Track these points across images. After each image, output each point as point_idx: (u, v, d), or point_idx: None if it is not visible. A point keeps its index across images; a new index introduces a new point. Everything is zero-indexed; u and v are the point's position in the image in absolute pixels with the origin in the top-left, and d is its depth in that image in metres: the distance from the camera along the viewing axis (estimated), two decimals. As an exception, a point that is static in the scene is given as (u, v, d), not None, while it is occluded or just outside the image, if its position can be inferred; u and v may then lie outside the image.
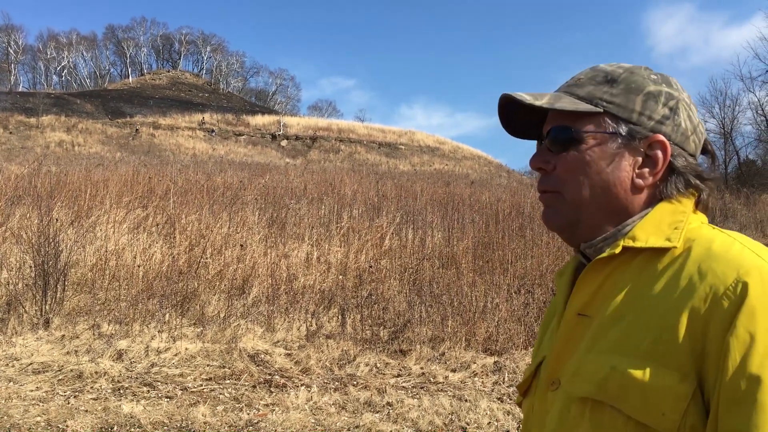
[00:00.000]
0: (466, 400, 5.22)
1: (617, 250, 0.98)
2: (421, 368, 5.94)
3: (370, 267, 8.51)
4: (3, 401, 4.87)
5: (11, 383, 5.22)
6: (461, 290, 7.43)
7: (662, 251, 0.97)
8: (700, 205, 1.05)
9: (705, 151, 1.08)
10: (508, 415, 4.99)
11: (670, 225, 0.98)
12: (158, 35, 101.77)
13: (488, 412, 5.00)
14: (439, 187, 18.43)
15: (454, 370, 5.92)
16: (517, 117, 1.12)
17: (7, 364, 5.61)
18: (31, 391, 5.11)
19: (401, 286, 8.01)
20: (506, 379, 5.72)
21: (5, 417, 4.59)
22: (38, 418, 4.61)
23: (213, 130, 47.11)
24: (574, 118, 1.03)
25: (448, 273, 8.40)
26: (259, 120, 53.73)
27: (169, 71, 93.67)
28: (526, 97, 1.02)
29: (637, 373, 0.88)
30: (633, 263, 0.99)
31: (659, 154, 1.00)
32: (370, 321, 6.83)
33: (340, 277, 8.29)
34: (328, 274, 8.50)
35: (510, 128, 1.14)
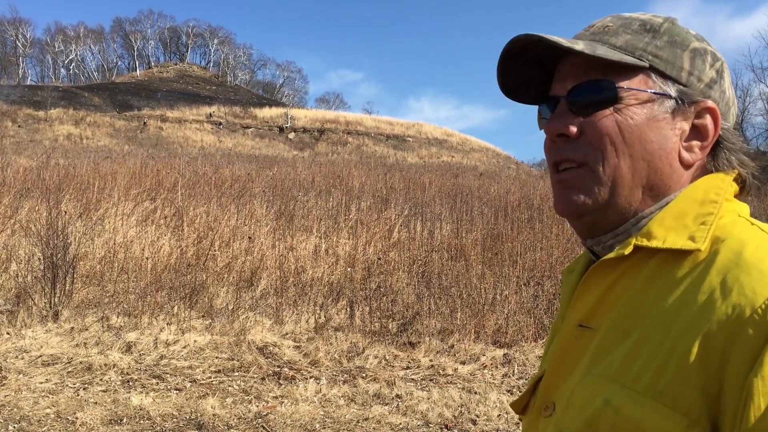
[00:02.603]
0: (475, 393, 5.20)
1: (627, 251, 0.79)
2: (431, 360, 5.92)
3: (379, 259, 8.49)
4: (13, 393, 4.88)
5: (21, 375, 5.23)
6: (470, 282, 7.40)
7: (684, 254, 0.76)
8: (743, 192, 0.85)
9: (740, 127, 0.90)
10: (518, 407, 4.97)
11: (696, 219, 0.77)
12: (165, 28, 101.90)
13: (498, 405, 4.97)
14: (448, 179, 18.39)
15: (463, 363, 5.89)
16: (516, 70, 0.89)
17: (17, 356, 5.62)
18: (41, 383, 5.12)
19: (410, 279, 7.99)
20: (516, 371, 5.69)
21: (15, 409, 4.60)
22: (48, 410, 4.61)
23: (221, 123, 47.19)
24: (609, 71, 0.81)
25: (456, 265, 8.37)
26: (267, 112, 53.79)
27: (176, 64, 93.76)
28: (562, 42, 0.80)
29: (634, 413, 0.70)
30: (647, 266, 0.78)
31: (709, 123, 0.82)
32: (378, 313, 6.81)
33: (349, 269, 8.28)
34: (337, 266, 8.49)
35: (504, 82, 0.91)
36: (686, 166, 0.82)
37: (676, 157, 0.82)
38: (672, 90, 0.81)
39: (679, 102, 0.81)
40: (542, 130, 0.89)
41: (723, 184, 0.81)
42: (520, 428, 0.99)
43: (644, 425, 0.69)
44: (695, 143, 0.82)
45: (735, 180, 0.84)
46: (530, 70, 0.89)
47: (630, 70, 0.81)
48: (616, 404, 0.71)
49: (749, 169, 0.85)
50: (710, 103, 0.82)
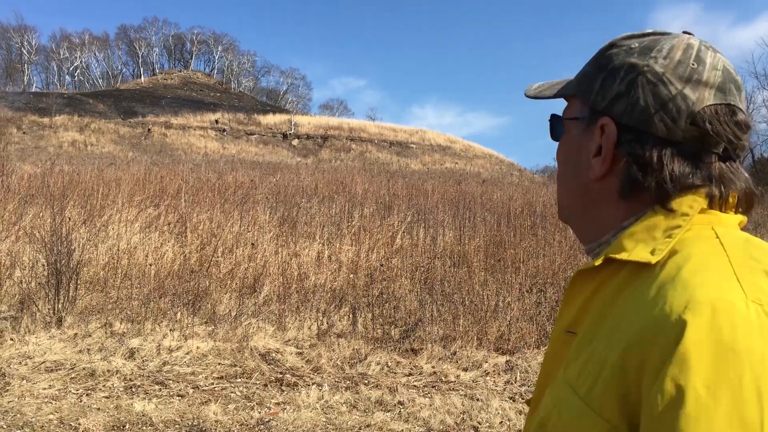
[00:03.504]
0: (477, 400, 5.19)
1: (597, 263, 0.82)
2: (433, 367, 5.92)
3: (381, 266, 8.50)
4: (16, 399, 4.89)
5: (24, 381, 5.25)
6: (473, 289, 7.40)
7: (646, 265, 0.77)
8: (727, 204, 0.83)
9: (704, 131, 0.81)
10: (520, 414, 4.96)
11: (664, 232, 0.79)
12: (170, 35, 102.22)
13: (500, 412, 4.97)
14: (451, 185, 18.40)
15: (465, 369, 5.89)
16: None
17: (21, 363, 5.64)
18: (44, 389, 5.13)
19: (412, 285, 7.99)
20: (518, 378, 5.69)
21: (18, 415, 4.61)
22: (51, 416, 4.63)
23: (224, 130, 47.30)
24: (568, 102, 0.96)
25: (459, 272, 8.37)
26: (270, 119, 53.86)
27: (180, 71, 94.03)
28: (529, 91, 1.00)
29: (571, 416, 0.74)
30: (618, 276, 0.81)
31: (601, 139, 0.85)
32: (381, 320, 6.81)
33: (351, 275, 8.28)
34: (339, 272, 8.49)
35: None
36: (597, 183, 0.87)
37: (587, 175, 0.88)
38: (585, 112, 0.90)
39: (587, 122, 0.89)
40: None
41: (699, 197, 0.81)
42: None
43: (577, 429, 0.73)
44: (595, 160, 0.87)
45: (729, 193, 0.83)
46: None
47: (572, 98, 0.95)
48: (560, 408, 0.76)
49: (699, 186, 0.82)
50: (603, 119, 0.85)
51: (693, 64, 0.82)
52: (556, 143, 0.98)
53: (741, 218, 0.84)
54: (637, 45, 0.86)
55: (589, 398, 0.72)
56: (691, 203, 0.81)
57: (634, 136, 0.83)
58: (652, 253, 0.77)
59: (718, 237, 0.77)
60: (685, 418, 0.63)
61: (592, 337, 0.78)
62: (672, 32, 0.87)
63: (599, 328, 0.77)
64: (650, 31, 0.88)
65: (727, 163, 0.83)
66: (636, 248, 0.79)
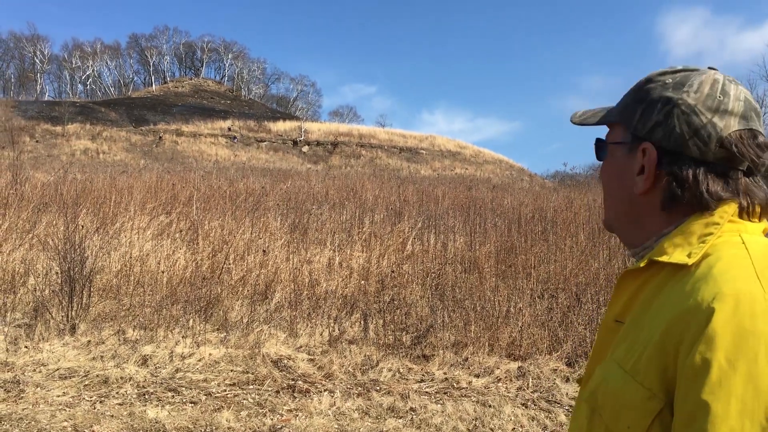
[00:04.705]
0: (490, 406, 5.18)
1: (642, 264, 1.00)
2: (444, 373, 5.91)
3: (392, 272, 8.50)
4: (30, 406, 4.93)
5: (38, 388, 5.28)
6: (484, 295, 7.38)
7: (682, 266, 0.95)
8: (753, 213, 1.00)
9: (731, 153, 0.98)
10: (532, 420, 4.95)
11: (699, 238, 0.96)
12: (181, 43, 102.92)
13: (512, 418, 4.96)
14: (461, 191, 18.37)
15: (477, 376, 5.88)
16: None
17: (35, 370, 5.68)
18: (58, 396, 5.17)
19: (423, 291, 7.99)
20: (530, 384, 5.67)
21: (33, 422, 4.64)
22: (65, 423, 4.65)
23: (235, 137, 47.49)
24: (610, 128, 1.13)
25: (470, 277, 8.36)
26: (281, 126, 54.07)
27: (191, 79, 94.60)
28: (574, 118, 1.18)
29: (617, 386, 0.91)
30: (659, 275, 0.98)
31: (644, 160, 1.03)
32: (392, 326, 6.81)
33: (363, 282, 8.29)
34: (351, 279, 8.50)
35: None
36: (642, 198, 1.04)
37: (632, 191, 1.05)
38: (628, 138, 1.06)
39: (631, 147, 1.05)
40: None
41: (729, 209, 0.98)
42: None
43: (622, 395, 0.90)
44: (640, 178, 1.04)
45: (755, 204, 1.00)
46: None
47: (615, 125, 1.11)
48: (609, 379, 0.94)
49: (728, 199, 0.98)
50: (646, 144, 1.03)
51: (719, 97, 0.99)
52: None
53: (765, 225, 1.01)
54: (670, 81, 1.03)
55: (634, 371, 0.90)
56: (721, 214, 0.97)
57: (672, 158, 1.00)
58: (689, 256, 0.94)
59: (744, 243, 0.94)
60: (709, 384, 0.80)
61: (636, 324, 0.96)
62: (700, 68, 1.05)
63: (643, 317, 0.95)
64: (681, 67, 1.06)
65: (751, 178, 1.00)
66: (675, 252, 0.96)
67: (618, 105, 1.11)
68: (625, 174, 1.06)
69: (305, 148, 47.24)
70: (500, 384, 5.71)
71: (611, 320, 1.06)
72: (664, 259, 0.96)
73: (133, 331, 6.53)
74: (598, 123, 1.14)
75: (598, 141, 1.14)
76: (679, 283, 0.92)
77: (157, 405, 5.06)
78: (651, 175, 1.01)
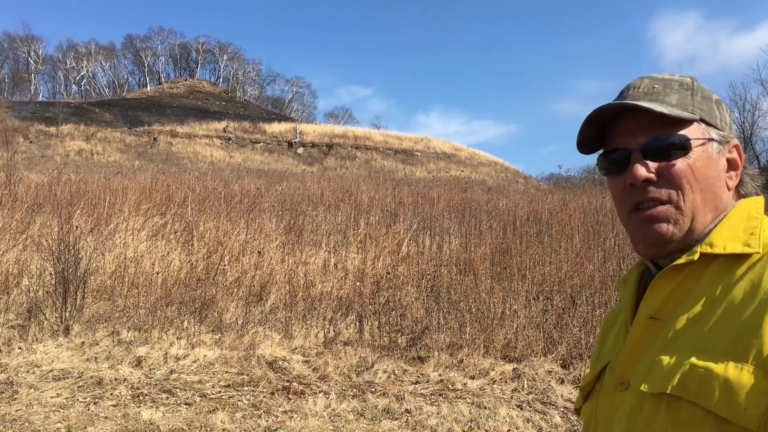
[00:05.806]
0: (485, 408, 5.18)
1: (696, 257, 1.02)
2: (440, 375, 5.91)
3: (388, 273, 8.49)
4: (24, 408, 4.90)
5: (32, 390, 5.26)
6: (479, 297, 7.39)
7: (741, 257, 1.00)
8: None
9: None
10: (527, 422, 4.95)
11: (746, 230, 1.03)
12: (176, 44, 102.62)
13: (508, 420, 4.96)
14: (456, 193, 18.37)
15: (472, 377, 5.88)
16: (586, 129, 1.14)
17: (28, 371, 5.66)
18: (52, 397, 5.15)
19: (419, 293, 7.98)
20: (525, 386, 5.67)
21: (26, 423, 4.62)
22: (59, 425, 4.64)
23: (230, 138, 47.42)
24: (671, 125, 1.07)
25: (465, 279, 8.36)
26: (276, 127, 53.96)
27: (186, 80, 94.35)
28: (655, 107, 1.05)
29: (719, 369, 0.91)
30: (708, 269, 1.02)
31: (737, 157, 1.10)
32: (387, 328, 6.81)
33: (358, 283, 8.28)
34: (346, 280, 8.50)
35: (579, 141, 1.17)
36: (729, 190, 1.10)
37: (725, 186, 1.09)
38: (715, 135, 1.09)
39: (721, 144, 1.09)
40: (606, 176, 1.14)
41: (759, 204, 1.08)
42: (581, 415, 1.22)
43: (728, 378, 0.90)
44: (733, 173, 1.11)
45: None
46: (590, 128, 1.13)
47: (687, 122, 1.07)
48: (702, 365, 0.93)
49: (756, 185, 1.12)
50: (735, 141, 1.11)
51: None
52: (592, 154, 1.17)
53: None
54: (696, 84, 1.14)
55: (732, 354, 0.91)
56: (759, 208, 1.07)
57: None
58: (749, 246, 1.00)
59: None
60: None
61: (700, 317, 0.98)
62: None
63: (708, 309, 0.98)
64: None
65: None
66: (728, 244, 1.02)
67: (674, 101, 1.08)
68: (709, 170, 1.08)
69: (300, 150, 47.19)
70: (495, 386, 5.72)
71: (645, 317, 1.06)
72: (717, 251, 1.01)
73: (128, 332, 6.51)
74: (686, 118, 1.08)
75: (676, 137, 1.06)
76: (750, 271, 0.97)
77: (152, 406, 5.05)
78: (740, 171, 1.11)
